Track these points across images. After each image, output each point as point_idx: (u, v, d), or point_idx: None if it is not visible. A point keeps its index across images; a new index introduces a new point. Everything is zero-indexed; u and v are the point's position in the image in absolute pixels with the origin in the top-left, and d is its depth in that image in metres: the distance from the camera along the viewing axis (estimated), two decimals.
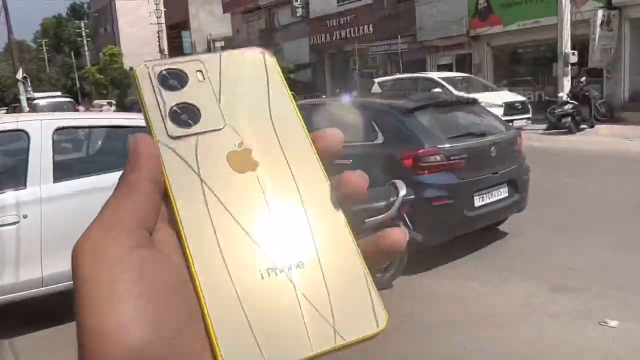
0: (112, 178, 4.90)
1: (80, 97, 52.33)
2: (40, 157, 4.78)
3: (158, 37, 40.79)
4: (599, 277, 5.37)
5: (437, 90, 15.07)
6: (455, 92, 14.77)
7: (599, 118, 16.79)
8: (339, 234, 0.37)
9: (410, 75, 17.78)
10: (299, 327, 0.34)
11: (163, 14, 42.01)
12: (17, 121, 5.13)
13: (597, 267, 5.60)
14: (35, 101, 27.13)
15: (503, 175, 6.27)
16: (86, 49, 62.24)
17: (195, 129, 0.38)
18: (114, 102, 38.41)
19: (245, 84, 0.41)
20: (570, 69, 17.10)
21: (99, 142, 6.00)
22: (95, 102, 40.83)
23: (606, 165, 10.90)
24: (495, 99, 15.07)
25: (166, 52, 38.58)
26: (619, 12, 18.09)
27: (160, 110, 0.39)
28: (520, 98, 16.23)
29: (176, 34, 43.50)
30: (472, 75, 18.85)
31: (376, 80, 18.13)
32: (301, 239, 0.37)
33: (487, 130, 6.53)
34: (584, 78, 17.63)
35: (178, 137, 0.38)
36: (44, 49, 72.58)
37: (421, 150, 5.72)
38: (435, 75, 17.25)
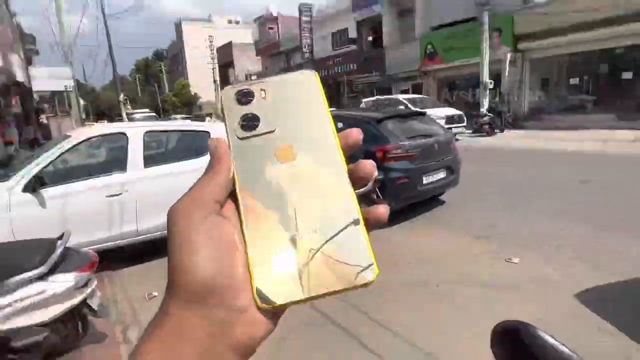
0: (181, 166, 4.92)
1: (162, 113, 52.11)
2: (135, 151, 4.79)
3: (212, 72, 40.50)
4: (506, 230, 5.37)
5: (401, 107, 14.85)
6: (412, 107, 14.54)
7: (507, 126, 16.75)
8: (350, 207, 0.36)
9: (385, 97, 17.63)
10: (309, 275, 0.34)
11: (216, 57, 41.71)
12: (120, 127, 5.14)
13: (505, 224, 5.60)
14: (132, 115, 27.10)
15: (442, 162, 6.25)
16: (165, 81, 61.90)
17: (255, 132, 0.38)
18: (185, 116, 38.14)
19: (293, 98, 0.40)
20: (488, 92, 17.00)
21: (174, 142, 5.99)
22: (172, 116, 40.67)
23: (509, 157, 10.85)
24: (439, 113, 14.83)
25: (218, 82, 38.28)
26: (522, 54, 17.90)
27: (234, 119, 0.39)
28: (458, 112, 15.74)
29: (225, 70, 43.18)
30: (425, 96, 18.58)
31: (363, 100, 17.95)
32: (320, 211, 0.35)
33: (432, 132, 6.49)
34: (497, 98, 17.59)
35: (243, 138, 0.38)
36: (137, 81, 72.19)
37: (388, 146, 5.70)
38: (400, 97, 17.01)
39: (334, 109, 27.05)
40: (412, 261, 4.63)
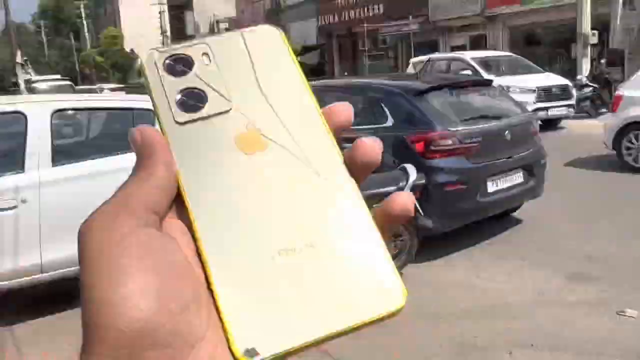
0: (113, 161, 4.93)
1: (80, 81, 52.41)
2: (39, 140, 4.80)
3: (160, 18, 40.75)
4: (616, 266, 5.36)
5: (467, 71, 14.43)
6: (485, 75, 13.84)
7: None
8: (354, 210, 0.38)
9: (445, 55, 17.06)
10: (310, 307, 0.34)
11: None
12: (15, 102, 5.15)
13: (614, 256, 5.59)
14: (34, 84, 27.23)
15: (518, 160, 6.25)
16: (86, 30, 62.25)
17: (201, 113, 0.39)
18: (119, 86, 38.23)
19: (253, 63, 0.41)
20: (590, 50, 16.95)
21: (100, 125, 6.01)
22: (97, 86, 40.88)
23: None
24: (529, 83, 14.01)
25: (168, 33, 38.53)
26: None
27: (167, 97, 0.39)
28: (561, 81, 14.66)
29: (179, 14, 43.42)
30: (515, 55, 17.29)
31: (411, 60, 17.30)
32: (314, 218, 0.37)
33: (502, 113, 6.51)
34: (604, 60, 17.51)
35: (185, 123, 0.39)
36: (43, 31, 72.67)
37: (433, 134, 5.70)
38: (468, 55, 16.00)
39: (345, 74, 26.93)
40: (468, 313, 4.62)
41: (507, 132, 6.15)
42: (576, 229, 6.48)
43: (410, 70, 16.04)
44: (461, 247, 6.07)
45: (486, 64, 15.10)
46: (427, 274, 5.45)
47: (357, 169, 0.39)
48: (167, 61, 0.40)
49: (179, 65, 0.40)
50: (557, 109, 13.91)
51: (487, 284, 5.18)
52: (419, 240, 5.50)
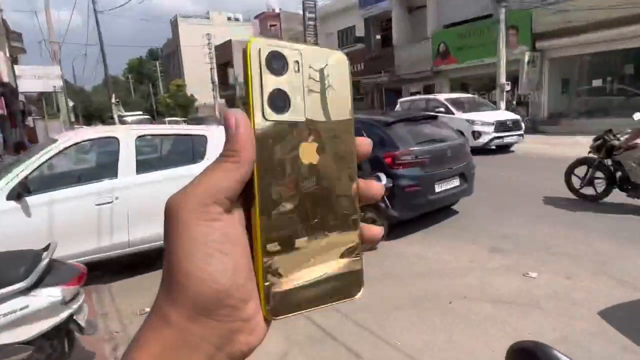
0: (177, 171, 4.94)
1: (156, 116, 52.35)
2: (127, 156, 4.81)
3: (210, 73, 40.74)
4: (524, 242, 5.35)
5: (441, 109, 13.28)
6: (454, 110, 13.33)
7: (525, 131, 16.68)
8: (355, 223, 0.37)
9: (423, 97, 15.86)
10: (315, 287, 0.35)
11: (214, 56, 41.97)
12: (111, 130, 5.17)
13: (523, 236, 5.58)
14: (124, 118, 27.26)
15: (456, 169, 6.24)
16: (160, 81, 62.33)
17: (285, 116, 0.34)
18: (183, 119, 38.17)
19: (326, 82, 0.36)
20: (505, 94, 16.98)
21: (169, 146, 6.02)
22: (166, 119, 40.84)
23: (529, 163, 10.82)
24: (487, 117, 13.07)
25: (216, 82, 38.48)
26: (541, 54, 17.92)
27: (262, 92, 0.34)
28: (514, 117, 13.67)
29: (224, 70, 43.44)
30: (476, 97, 16.41)
31: (399, 100, 16.05)
32: (330, 223, 0.36)
33: (445, 137, 6.50)
34: (514, 101, 17.59)
35: (271, 121, 0.34)
36: (130, 82, 72.69)
37: (397, 152, 5.70)
38: (441, 97, 14.77)
39: None
40: (421, 275, 4.62)
41: (448, 150, 6.16)
42: (496, 216, 6.47)
43: (398, 107, 15.24)
44: (418, 229, 6.07)
45: (455, 102, 14.19)
46: (395, 248, 5.44)
47: (360, 197, 0.38)
48: (269, 56, 0.34)
49: (277, 63, 0.34)
50: (509, 137, 13.12)
51: (435, 256, 5.17)
52: (389, 224, 5.50)
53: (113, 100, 23.48)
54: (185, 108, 50.27)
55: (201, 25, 52.63)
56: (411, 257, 5.13)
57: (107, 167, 4.87)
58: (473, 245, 5.39)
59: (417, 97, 16.89)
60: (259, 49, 0.34)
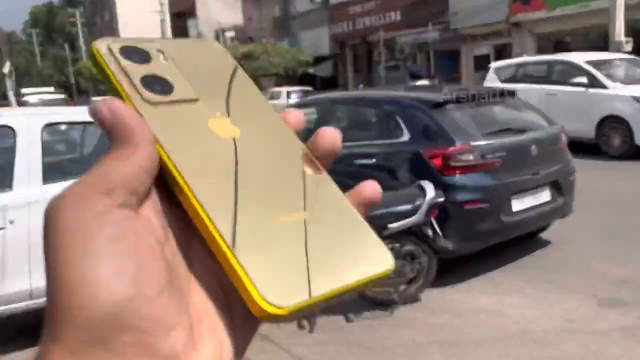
0: None
1: (76, 94, 52.81)
2: (28, 156, 4.85)
3: (161, 26, 41.09)
4: None
5: (582, 78, 12.33)
6: (608, 82, 12.05)
7: None
8: (326, 188, 0.43)
9: (543, 58, 14.79)
10: (316, 268, 0.38)
11: (167, 1, 42.36)
12: (2, 116, 5.21)
13: None
14: (25, 97, 27.51)
15: (545, 176, 6.26)
16: (82, 40, 62.73)
17: (170, 97, 0.42)
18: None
19: (204, 67, 0.46)
20: None
21: (95, 141, 6.06)
22: (94, 99, 41.11)
23: None
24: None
25: None
26: None
27: (131, 79, 0.41)
28: None
29: (181, 23, 43.79)
30: (634, 57, 14.86)
31: (492, 65, 15.40)
32: (299, 193, 0.42)
33: (528, 126, 6.53)
34: (639, 69, 17.50)
35: (156, 104, 0.40)
36: (35, 41, 73.24)
37: (452, 148, 5.73)
38: (579, 57, 13.25)
39: (361, 85, 26.84)
40: (492, 341, 4.62)
41: (532, 146, 6.16)
42: (608, 250, 6.46)
43: (491, 76, 14.58)
44: (483, 270, 6.07)
45: (603, 66, 12.67)
46: (446, 299, 5.45)
47: (323, 153, 0.43)
48: (124, 50, 0.42)
49: (136, 55, 0.43)
50: None
51: (511, 310, 5.16)
52: (438, 262, 5.51)
53: (6, 69, 23.62)
54: None
55: None
56: (475, 314, 5.13)
57: None
58: (573, 295, 5.38)
59: (529, 58, 15.64)
60: (109, 47, 0.42)
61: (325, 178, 0.43)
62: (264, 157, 0.42)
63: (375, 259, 0.41)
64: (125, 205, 0.35)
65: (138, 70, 0.41)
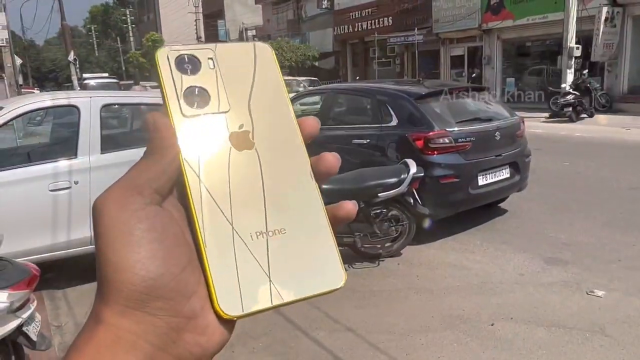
0: None
1: (125, 78, 52.49)
2: (90, 130, 4.87)
3: (195, 25, 40.74)
4: (590, 252, 5.37)
5: None
6: None
7: (598, 109, 16.58)
8: (315, 205, 0.42)
9: None
10: (276, 280, 0.39)
11: (201, 4, 41.91)
12: (69, 97, 5.22)
13: (588, 243, 5.59)
14: (86, 81, 27.44)
15: (506, 157, 6.25)
16: (131, 35, 62.22)
17: (204, 110, 0.41)
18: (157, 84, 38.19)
19: (248, 73, 0.44)
20: (574, 62, 16.80)
21: (142, 119, 6.07)
22: (140, 83, 40.90)
23: (603, 152, 10.75)
24: None
25: (203, 39, 38.58)
26: (622, 9, 17.68)
27: (176, 91, 0.41)
28: None
29: (212, 22, 43.33)
30: None
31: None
32: (285, 208, 0.41)
33: (493, 116, 6.50)
34: (586, 71, 17.40)
35: (190, 116, 0.40)
36: (93, 35, 72.77)
37: (431, 133, 5.72)
38: None
39: (358, 78, 26.68)
40: (457, 290, 4.66)
41: (497, 133, 6.16)
42: (554, 219, 6.48)
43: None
44: (453, 232, 6.10)
45: None
46: (424, 255, 5.50)
47: (319, 175, 0.43)
48: (178, 59, 0.42)
49: (188, 64, 0.42)
50: None
51: (474, 265, 5.21)
52: (417, 225, 5.54)
53: (71, 57, 23.51)
54: None
55: None
56: (445, 267, 5.18)
57: (64, 144, 4.92)
58: (524, 254, 5.42)
59: None
60: (168, 55, 0.42)
61: (316, 194, 0.43)
62: (268, 172, 0.42)
63: (328, 277, 0.41)
64: (153, 202, 0.38)
65: (185, 82, 0.41)
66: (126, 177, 0.39)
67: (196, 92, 0.41)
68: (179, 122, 0.40)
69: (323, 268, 0.41)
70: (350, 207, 0.44)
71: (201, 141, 0.40)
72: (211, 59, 0.43)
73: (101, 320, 0.36)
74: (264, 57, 0.45)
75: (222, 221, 0.39)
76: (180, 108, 0.41)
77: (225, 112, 0.42)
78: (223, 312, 0.38)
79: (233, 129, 0.42)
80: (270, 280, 0.39)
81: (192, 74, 0.42)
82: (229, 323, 0.39)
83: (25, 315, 3.12)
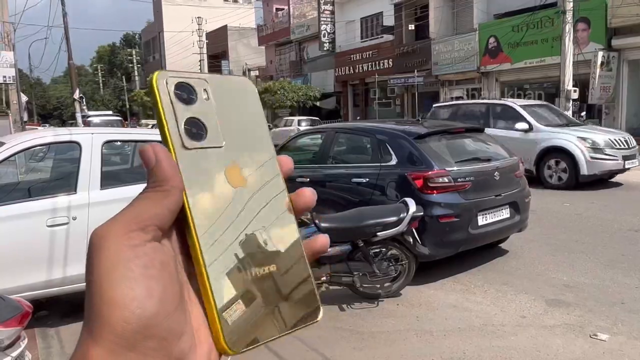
0: None
1: (129, 117, 53.07)
2: (90, 166, 4.87)
3: (200, 65, 41.35)
4: (592, 294, 5.29)
5: (522, 125, 11.55)
6: (536, 124, 11.54)
7: None
8: (295, 240, 0.44)
9: (482, 101, 13.97)
10: (269, 317, 0.41)
11: (205, 45, 42.62)
12: (71, 133, 5.24)
13: (591, 285, 5.51)
14: (89, 118, 27.72)
15: (505, 197, 6.22)
16: (136, 74, 63.28)
17: (202, 143, 0.41)
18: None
19: (236, 107, 0.45)
20: (572, 104, 16.95)
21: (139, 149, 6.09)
22: (143, 122, 41.29)
23: (601, 192, 10.75)
24: (600, 136, 11.34)
25: None
26: (618, 54, 17.96)
27: (177, 122, 0.40)
28: (623, 134, 11.76)
29: (216, 62, 44.04)
30: (548, 104, 14.40)
31: (435, 105, 14.40)
32: (274, 244, 0.43)
33: (492, 156, 6.51)
34: (583, 113, 17.55)
35: (190, 149, 0.40)
36: (99, 73, 73.92)
37: (431, 172, 5.71)
38: (515, 102, 12.65)
39: (359, 118, 26.93)
40: (457, 332, 4.57)
41: (496, 173, 6.15)
42: (555, 260, 6.41)
43: (433, 114, 13.54)
44: (453, 272, 6.04)
45: (535, 111, 12.02)
46: (423, 295, 5.41)
47: (297, 209, 0.45)
48: (176, 87, 0.41)
49: (186, 93, 0.41)
50: (630, 162, 11.38)
51: (475, 306, 5.12)
52: (417, 265, 5.48)
53: (76, 95, 23.77)
54: None
55: (190, 7, 53.52)
56: (445, 308, 5.09)
57: (64, 179, 4.94)
58: (526, 295, 5.34)
59: (468, 101, 15.38)
60: (166, 81, 0.41)
61: (294, 229, 0.44)
62: (258, 209, 0.42)
63: (309, 313, 0.43)
64: (154, 239, 0.38)
65: (184, 113, 0.41)
66: (129, 211, 0.38)
67: (195, 124, 0.41)
68: (180, 155, 0.40)
69: (306, 301, 0.43)
70: (324, 240, 0.46)
71: (201, 177, 0.40)
72: (205, 90, 0.43)
73: None
74: (248, 92, 0.46)
75: (227, 261, 0.40)
76: (182, 140, 0.40)
77: (220, 147, 0.42)
78: (229, 348, 0.38)
79: (227, 165, 0.42)
80: (268, 314, 0.40)
81: (190, 104, 0.41)
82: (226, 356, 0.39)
83: (15, 354, 3.04)
